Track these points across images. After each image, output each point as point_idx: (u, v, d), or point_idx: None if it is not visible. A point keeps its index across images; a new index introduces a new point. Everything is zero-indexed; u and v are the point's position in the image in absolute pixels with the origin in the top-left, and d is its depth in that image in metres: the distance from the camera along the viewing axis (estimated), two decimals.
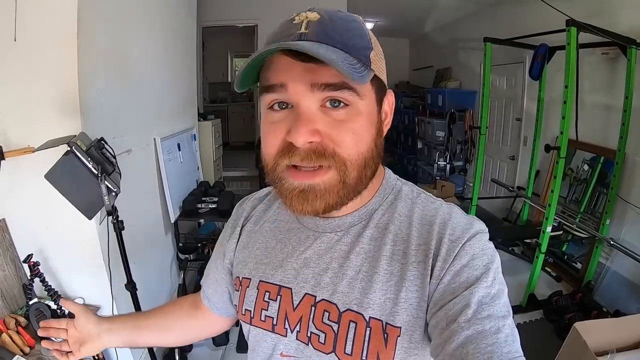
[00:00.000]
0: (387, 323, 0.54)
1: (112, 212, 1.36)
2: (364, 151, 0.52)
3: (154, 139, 2.37)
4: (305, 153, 0.50)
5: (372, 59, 0.52)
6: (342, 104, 0.50)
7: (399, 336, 0.54)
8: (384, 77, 0.56)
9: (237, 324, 0.78)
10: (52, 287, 1.65)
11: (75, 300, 1.74)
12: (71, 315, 0.81)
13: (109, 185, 1.31)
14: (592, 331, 1.75)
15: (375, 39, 0.56)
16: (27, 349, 1.50)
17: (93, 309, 1.78)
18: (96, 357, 1.77)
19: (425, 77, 6.57)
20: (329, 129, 0.50)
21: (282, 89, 0.50)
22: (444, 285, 0.53)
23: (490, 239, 0.58)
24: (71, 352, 0.79)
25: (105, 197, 1.31)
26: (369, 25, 5.98)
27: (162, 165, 2.40)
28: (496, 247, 0.58)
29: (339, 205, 0.55)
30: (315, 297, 0.59)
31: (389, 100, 0.59)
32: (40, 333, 0.82)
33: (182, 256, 2.58)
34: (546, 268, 3.32)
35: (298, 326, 0.60)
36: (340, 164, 0.51)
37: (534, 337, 2.56)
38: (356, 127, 0.51)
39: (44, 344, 0.82)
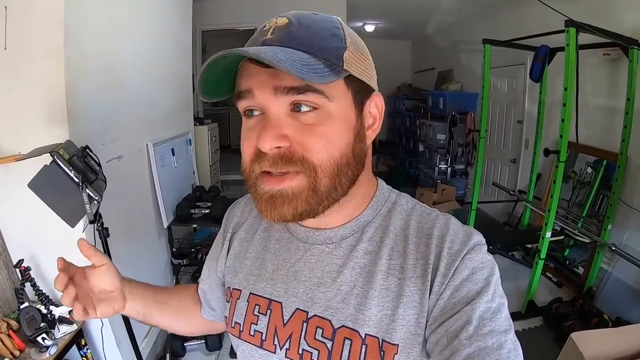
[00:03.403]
0: (383, 340, 0.52)
1: (95, 220, 1.36)
2: (337, 157, 0.51)
3: (147, 144, 2.37)
4: (273, 159, 0.50)
5: (347, 59, 0.50)
6: (309, 107, 0.49)
7: (396, 354, 0.52)
8: (367, 79, 0.54)
9: None
10: (43, 292, 1.66)
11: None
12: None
13: (91, 194, 1.31)
14: (589, 342, 1.71)
15: (358, 41, 0.55)
16: (16, 352, 1.51)
17: None
18: (85, 359, 1.79)
19: (427, 80, 6.54)
20: (298, 134, 0.49)
21: (249, 95, 0.50)
22: (443, 301, 0.52)
23: (490, 244, 0.56)
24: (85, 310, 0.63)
25: (87, 206, 1.30)
26: (370, 28, 5.95)
27: (154, 171, 2.40)
28: (496, 252, 0.56)
29: (311, 213, 0.53)
30: (307, 312, 0.57)
31: (377, 103, 0.57)
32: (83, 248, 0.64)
33: (175, 261, 2.58)
34: (547, 273, 3.27)
35: (287, 343, 0.58)
36: (309, 169, 0.50)
37: (533, 345, 2.51)
38: (326, 130, 0.50)
39: (61, 278, 0.62)
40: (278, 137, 0.49)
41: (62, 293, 0.62)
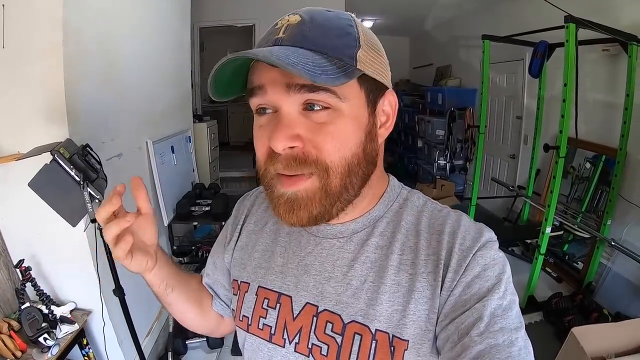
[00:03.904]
0: (394, 336, 0.52)
1: (96, 219, 1.35)
2: (348, 157, 0.50)
3: (146, 142, 2.36)
4: (286, 160, 0.49)
5: (360, 58, 0.50)
6: (321, 106, 0.49)
7: (406, 349, 0.52)
8: (381, 77, 0.53)
9: None
10: (44, 292, 1.66)
11: (68, 304, 1.76)
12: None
13: (92, 193, 1.30)
14: (590, 336, 1.72)
15: (372, 39, 0.54)
16: (18, 353, 1.50)
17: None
18: (87, 359, 1.79)
19: (426, 75, 6.52)
20: (310, 134, 0.49)
21: (261, 92, 0.50)
22: (455, 297, 0.51)
23: None
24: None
25: (89, 204, 1.30)
26: (368, 24, 5.92)
27: (154, 168, 2.39)
28: None
29: (326, 216, 0.53)
30: (318, 306, 0.57)
31: (390, 101, 0.57)
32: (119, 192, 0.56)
33: (176, 259, 2.58)
34: (546, 268, 3.28)
35: (297, 337, 0.58)
36: (322, 170, 0.49)
37: (533, 340, 2.50)
38: (337, 130, 0.49)
39: (102, 212, 0.54)
40: (291, 137, 0.49)
41: (104, 226, 0.54)
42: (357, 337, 0.53)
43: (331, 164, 0.50)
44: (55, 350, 1.53)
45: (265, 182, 0.54)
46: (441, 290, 0.52)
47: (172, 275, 0.69)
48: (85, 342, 1.75)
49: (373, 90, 0.53)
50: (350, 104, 0.50)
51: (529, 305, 2.81)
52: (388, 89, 0.56)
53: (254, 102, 0.52)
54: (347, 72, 0.48)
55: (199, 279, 0.80)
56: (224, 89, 0.53)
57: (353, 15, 0.54)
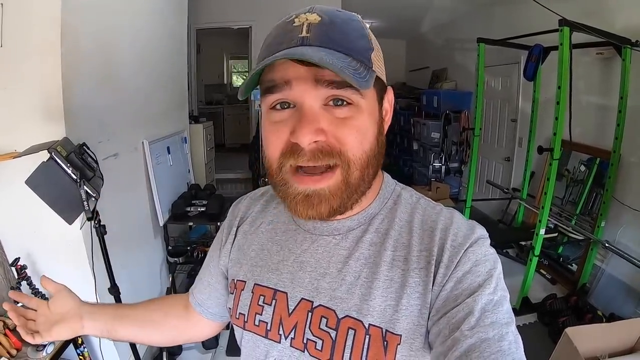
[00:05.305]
0: (387, 330, 0.53)
1: (93, 217, 1.35)
2: (368, 149, 0.52)
3: (142, 142, 2.36)
4: (312, 153, 0.50)
5: (373, 60, 0.52)
6: (344, 102, 0.50)
7: (399, 344, 0.52)
8: (383, 76, 0.56)
9: (228, 326, 0.76)
10: (40, 290, 1.65)
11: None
12: (44, 298, 0.79)
13: (89, 191, 1.30)
14: (583, 336, 1.74)
15: (374, 37, 0.56)
16: (13, 352, 1.50)
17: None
18: (82, 358, 1.78)
19: (422, 78, 6.55)
20: (333, 127, 0.50)
21: (286, 87, 0.50)
22: (446, 292, 0.52)
23: None
24: (38, 332, 0.72)
25: (85, 203, 1.30)
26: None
27: (150, 169, 2.39)
28: None
29: (343, 208, 0.54)
30: (313, 302, 0.58)
31: (389, 98, 0.59)
32: (9, 302, 0.75)
33: (171, 259, 2.57)
34: (541, 270, 3.29)
35: (293, 333, 0.58)
36: (345, 162, 0.51)
37: (527, 341, 2.50)
38: (359, 124, 0.51)
39: (10, 314, 0.72)
40: (316, 130, 0.49)
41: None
42: (351, 332, 0.54)
43: (353, 157, 0.51)
44: (50, 349, 1.52)
45: (280, 177, 0.54)
46: (433, 285, 0.53)
47: (109, 318, 0.76)
48: (80, 341, 1.75)
49: (381, 87, 0.56)
50: (367, 100, 0.52)
51: (523, 306, 2.82)
52: (387, 86, 0.59)
53: (272, 98, 0.52)
54: (370, 75, 0.50)
55: (160, 299, 0.86)
56: (248, 87, 0.54)
57: (359, 16, 0.55)
